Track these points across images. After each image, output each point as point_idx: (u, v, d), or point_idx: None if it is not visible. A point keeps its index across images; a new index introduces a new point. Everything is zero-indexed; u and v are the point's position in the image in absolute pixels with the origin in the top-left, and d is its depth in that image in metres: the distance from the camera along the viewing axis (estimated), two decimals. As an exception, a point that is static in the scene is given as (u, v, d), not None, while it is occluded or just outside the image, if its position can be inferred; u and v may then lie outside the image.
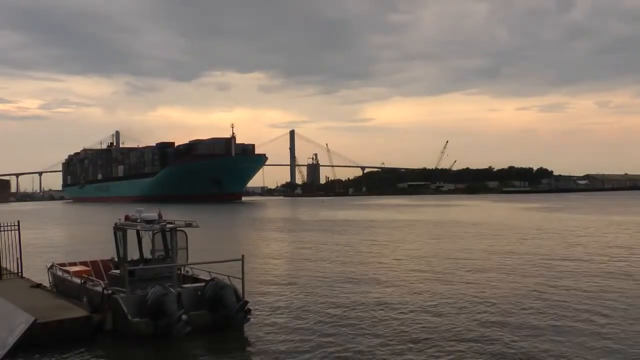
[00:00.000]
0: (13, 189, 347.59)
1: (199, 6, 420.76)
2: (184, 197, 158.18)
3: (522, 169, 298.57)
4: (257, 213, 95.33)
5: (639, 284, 21.24)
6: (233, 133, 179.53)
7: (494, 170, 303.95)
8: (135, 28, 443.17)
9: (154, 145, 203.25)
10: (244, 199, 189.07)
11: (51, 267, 19.97)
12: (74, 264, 19.99)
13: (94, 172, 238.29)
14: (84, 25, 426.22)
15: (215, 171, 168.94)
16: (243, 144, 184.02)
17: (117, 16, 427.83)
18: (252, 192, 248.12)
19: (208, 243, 35.79)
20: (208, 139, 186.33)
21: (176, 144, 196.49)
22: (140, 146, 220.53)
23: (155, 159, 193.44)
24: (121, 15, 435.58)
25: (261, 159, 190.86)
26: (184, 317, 14.08)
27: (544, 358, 12.73)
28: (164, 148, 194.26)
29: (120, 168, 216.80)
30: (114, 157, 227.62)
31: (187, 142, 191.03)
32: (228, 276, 15.91)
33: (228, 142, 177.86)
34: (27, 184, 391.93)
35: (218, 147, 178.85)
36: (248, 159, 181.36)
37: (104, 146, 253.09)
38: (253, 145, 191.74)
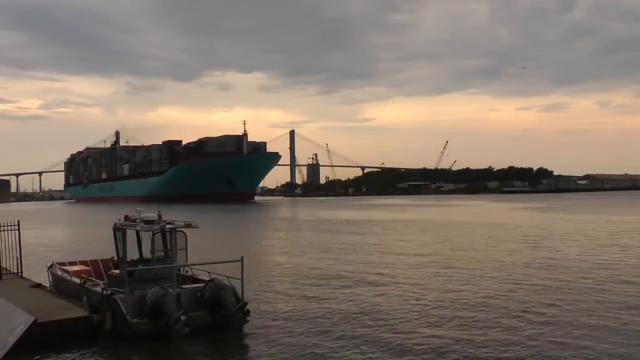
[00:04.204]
0: (13, 189, 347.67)
1: (199, 6, 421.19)
2: (193, 196, 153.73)
3: (522, 169, 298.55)
4: (265, 213, 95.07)
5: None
6: (245, 130, 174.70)
7: (494, 170, 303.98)
8: (135, 28, 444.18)
9: (161, 143, 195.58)
10: (257, 199, 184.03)
11: (51, 266, 19.97)
12: (74, 264, 20.00)
13: (98, 172, 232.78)
14: (84, 25, 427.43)
15: (227, 170, 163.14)
16: (255, 141, 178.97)
17: (117, 16, 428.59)
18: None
19: (209, 243, 35.81)
20: (219, 137, 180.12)
21: (183, 143, 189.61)
22: (145, 144, 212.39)
23: (163, 157, 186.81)
24: (121, 15, 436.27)
25: (274, 157, 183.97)
26: (183, 317, 14.11)
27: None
28: (172, 146, 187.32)
29: (126, 167, 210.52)
30: (118, 155, 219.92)
31: (197, 139, 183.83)
32: (227, 277, 15.94)
33: (239, 140, 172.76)
34: (27, 184, 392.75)
35: (229, 145, 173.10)
36: (261, 157, 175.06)
37: (108, 145, 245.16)
38: (265, 143, 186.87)
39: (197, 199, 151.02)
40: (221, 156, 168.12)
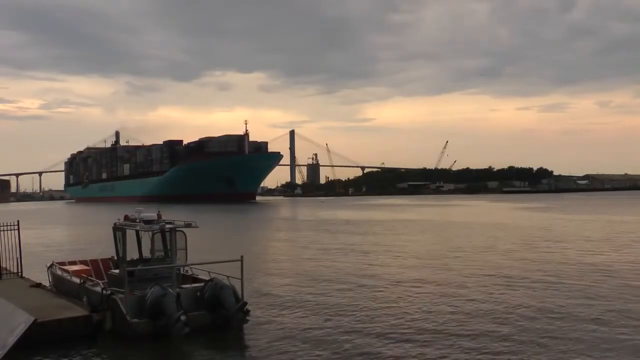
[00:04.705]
0: (13, 189, 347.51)
1: (199, 6, 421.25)
2: (194, 196, 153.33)
3: (522, 169, 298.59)
4: (265, 213, 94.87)
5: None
6: (246, 130, 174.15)
7: (494, 170, 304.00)
8: (135, 28, 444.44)
9: (161, 143, 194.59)
10: (258, 198, 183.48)
11: (51, 266, 19.96)
12: (74, 263, 19.96)
13: (98, 171, 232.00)
14: (84, 25, 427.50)
15: (228, 170, 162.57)
16: (256, 141, 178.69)
17: (117, 16, 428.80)
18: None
19: (209, 243, 35.80)
20: (220, 136, 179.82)
21: (183, 142, 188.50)
22: (146, 144, 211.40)
23: (164, 157, 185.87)
24: (121, 15, 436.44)
25: (276, 157, 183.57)
26: (182, 317, 14.11)
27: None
28: (173, 146, 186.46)
29: (126, 167, 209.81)
30: (119, 155, 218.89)
31: (198, 139, 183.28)
32: (227, 276, 15.94)
33: (241, 140, 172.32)
34: (27, 184, 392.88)
35: (230, 145, 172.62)
36: (262, 157, 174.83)
37: (108, 145, 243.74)
38: (266, 142, 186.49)
39: (198, 199, 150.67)
40: (222, 156, 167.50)
